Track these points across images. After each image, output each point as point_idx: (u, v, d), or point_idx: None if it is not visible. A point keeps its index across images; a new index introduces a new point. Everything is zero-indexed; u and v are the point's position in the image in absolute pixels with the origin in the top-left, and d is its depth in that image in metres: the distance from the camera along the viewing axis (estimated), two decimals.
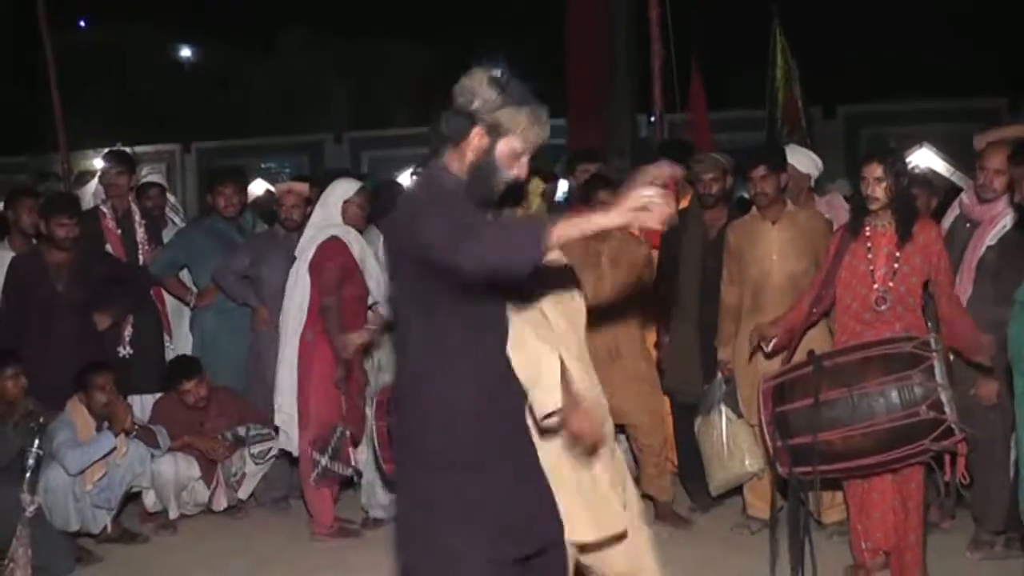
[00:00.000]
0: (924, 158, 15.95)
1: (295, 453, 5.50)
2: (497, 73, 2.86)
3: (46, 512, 5.18)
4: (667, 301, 5.61)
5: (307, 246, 5.44)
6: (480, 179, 2.89)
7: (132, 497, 5.77)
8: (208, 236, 6.18)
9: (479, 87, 2.83)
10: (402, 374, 3.05)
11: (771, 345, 4.60)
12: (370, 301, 5.63)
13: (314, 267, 5.36)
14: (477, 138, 2.85)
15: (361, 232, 5.59)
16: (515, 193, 4.14)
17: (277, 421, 5.54)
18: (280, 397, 5.50)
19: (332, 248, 5.34)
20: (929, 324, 4.47)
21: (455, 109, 2.85)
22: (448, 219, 2.70)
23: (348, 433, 5.38)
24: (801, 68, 8.79)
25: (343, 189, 5.55)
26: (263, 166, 19.64)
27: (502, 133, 2.83)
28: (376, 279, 5.52)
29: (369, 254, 5.57)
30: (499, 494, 2.91)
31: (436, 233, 2.70)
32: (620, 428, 5.28)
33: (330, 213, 5.48)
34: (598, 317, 4.34)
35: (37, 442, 5.09)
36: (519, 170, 2.92)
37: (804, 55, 8.91)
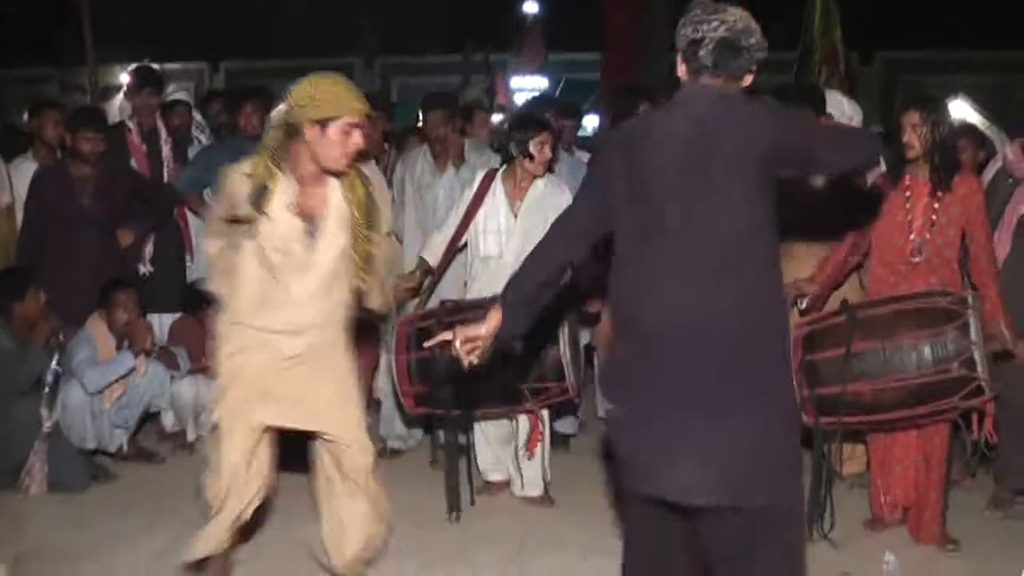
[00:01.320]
0: (959, 109, 15.65)
1: None
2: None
3: (63, 429, 5.21)
4: None
5: None
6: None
7: (151, 417, 5.79)
8: (231, 154, 6.06)
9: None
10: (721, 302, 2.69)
11: (805, 303, 4.51)
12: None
13: None
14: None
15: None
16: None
17: None
18: None
19: None
20: (965, 278, 4.37)
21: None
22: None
23: None
24: (840, 11, 8.61)
25: None
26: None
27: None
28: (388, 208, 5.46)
29: (382, 182, 5.51)
30: None
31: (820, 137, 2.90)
32: None
33: None
34: None
35: (56, 358, 5.10)
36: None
37: None
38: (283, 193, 3.39)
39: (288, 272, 3.44)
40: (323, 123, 3.28)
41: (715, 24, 2.80)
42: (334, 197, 3.46)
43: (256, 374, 3.51)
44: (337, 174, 3.44)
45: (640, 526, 3.02)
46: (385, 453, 5.64)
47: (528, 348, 4.36)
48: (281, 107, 3.34)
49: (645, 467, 2.78)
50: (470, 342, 3.07)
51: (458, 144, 5.70)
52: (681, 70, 2.88)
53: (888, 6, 17.80)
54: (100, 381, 5.28)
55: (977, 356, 3.83)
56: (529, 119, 4.94)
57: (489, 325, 3.07)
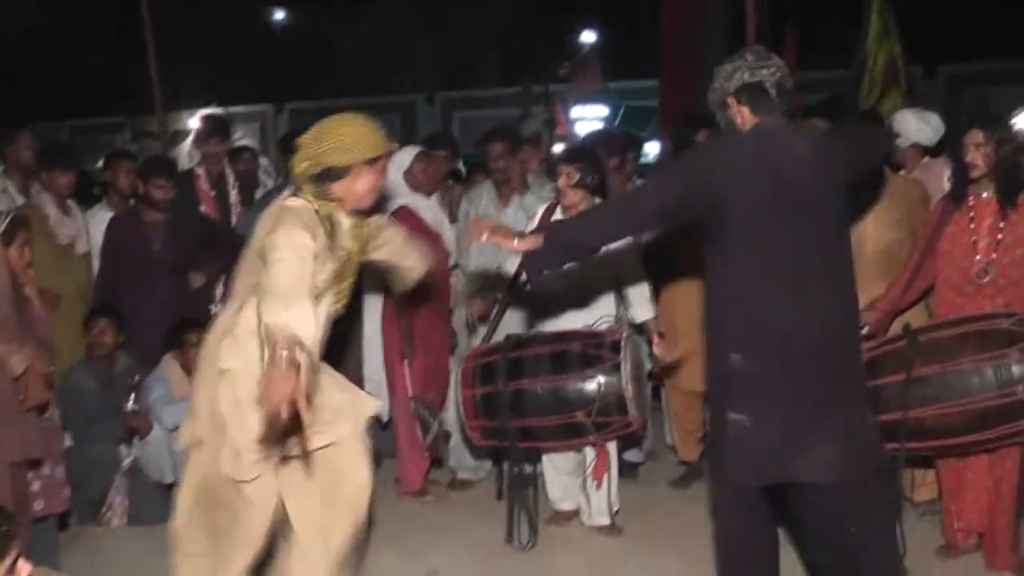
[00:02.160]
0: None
1: (384, 419, 5.55)
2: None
3: (143, 464, 5.36)
4: None
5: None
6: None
7: None
8: None
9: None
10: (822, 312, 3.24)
11: (867, 330, 4.48)
12: (451, 263, 5.65)
13: None
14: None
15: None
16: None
17: (367, 389, 5.60)
18: (367, 365, 5.56)
19: (400, 218, 5.28)
20: None
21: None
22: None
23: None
24: (900, 24, 8.47)
25: (399, 160, 5.47)
26: None
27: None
28: (453, 242, 5.54)
29: (444, 219, 5.59)
30: None
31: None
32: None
33: (395, 185, 5.39)
34: None
35: (133, 398, 5.26)
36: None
37: (903, 10, 8.59)
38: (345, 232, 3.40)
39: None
40: (371, 162, 3.27)
41: (772, 69, 3.27)
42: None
43: None
44: (365, 213, 3.44)
45: (739, 517, 3.45)
46: (456, 484, 5.71)
47: (589, 383, 4.44)
48: (312, 153, 3.24)
49: (776, 459, 3.23)
50: (499, 234, 3.43)
51: (521, 176, 5.76)
52: (739, 109, 3.28)
53: (951, 17, 17.57)
54: (178, 417, 5.40)
55: None
56: (564, 153, 5.02)
57: (525, 242, 3.40)
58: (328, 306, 3.38)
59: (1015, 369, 3.77)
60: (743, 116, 3.29)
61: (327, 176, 3.23)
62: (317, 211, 3.25)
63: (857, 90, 8.44)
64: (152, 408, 5.37)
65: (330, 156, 3.20)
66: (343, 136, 3.22)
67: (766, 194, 3.17)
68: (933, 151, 5.67)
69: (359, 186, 3.26)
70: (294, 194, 3.33)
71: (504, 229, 3.54)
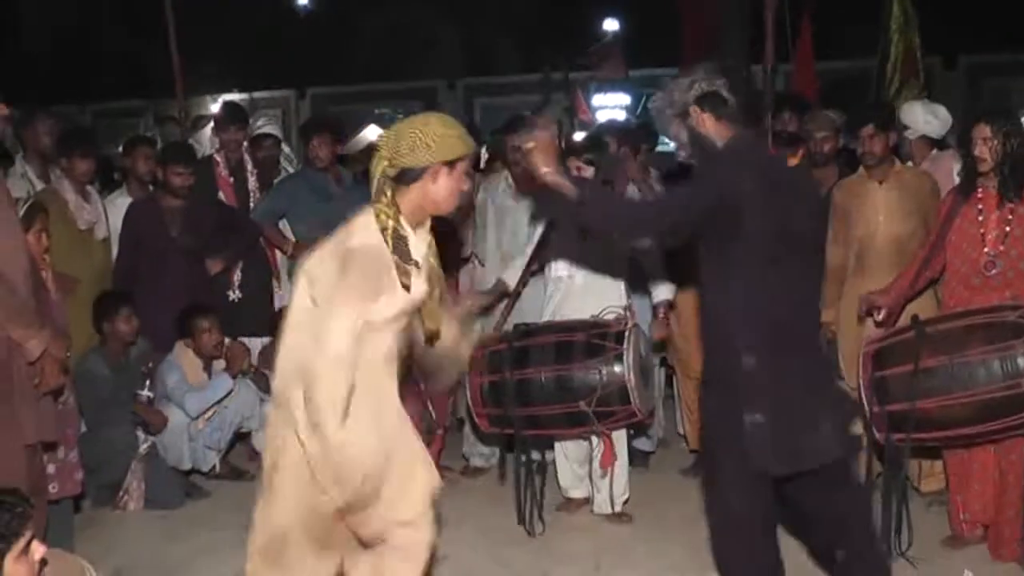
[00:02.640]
0: None
1: None
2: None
3: (161, 450, 5.45)
4: None
5: None
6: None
7: (241, 437, 6.00)
8: (306, 187, 6.22)
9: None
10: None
11: (881, 314, 4.50)
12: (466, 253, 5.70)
13: None
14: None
15: None
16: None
17: None
18: None
19: None
20: None
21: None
22: None
23: None
24: (920, 14, 8.42)
25: None
26: (377, 111, 19.90)
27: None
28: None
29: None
30: None
31: None
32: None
33: None
34: None
35: (148, 384, 5.34)
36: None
37: (924, 1, 8.53)
38: (415, 245, 3.06)
39: None
40: (452, 163, 3.01)
41: (723, 81, 3.62)
42: (425, 245, 3.12)
43: None
44: (443, 218, 3.19)
45: (752, 506, 3.58)
46: (468, 471, 5.77)
47: (592, 372, 4.50)
48: (390, 153, 3.00)
49: (793, 449, 3.44)
50: (541, 151, 3.51)
51: None
52: (701, 116, 3.57)
53: (971, 8, 17.41)
54: (201, 405, 5.49)
55: None
56: (573, 144, 5.06)
57: (561, 183, 3.51)
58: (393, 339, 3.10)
59: (1021, 361, 3.81)
60: (705, 122, 3.58)
61: (403, 178, 2.99)
62: (385, 229, 2.96)
63: (879, 82, 8.40)
64: (171, 396, 5.44)
65: (407, 157, 2.98)
66: (421, 135, 2.97)
67: (781, 209, 3.42)
68: (941, 143, 5.67)
69: (436, 189, 3.00)
70: (374, 201, 3.01)
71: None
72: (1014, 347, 3.82)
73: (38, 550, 2.68)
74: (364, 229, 2.97)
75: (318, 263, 2.99)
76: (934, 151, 5.59)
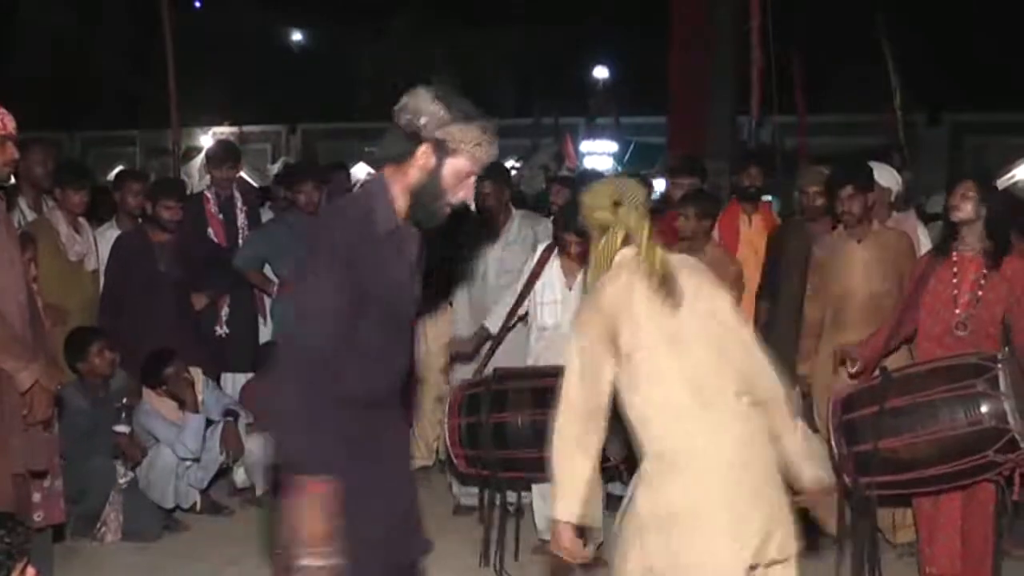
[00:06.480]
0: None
1: None
2: (441, 91, 2.72)
3: (145, 488, 5.45)
4: (769, 314, 5.68)
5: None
6: (423, 202, 2.72)
7: (222, 473, 5.99)
8: (289, 232, 6.05)
9: (424, 104, 2.68)
10: None
11: (856, 367, 4.59)
12: None
13: None
14: (424, 157, 2.68)
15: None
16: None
17: None
18: None
19: None
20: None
21: (399, 127, 2.71)
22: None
23: None
24: (905, 73, 8.61)
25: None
26: (367, 150, 20.00)
27: (450, 152, 2.67)
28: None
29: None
30: None
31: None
32: None
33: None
34: None
35: (124, 417, 5.36)
36: (465, 192, 2.76)
37: (909, 59, 8.73)
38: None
39: None
40: None
41: None
42: None
43: None
44: None
45: None
46: (460, 510, 5.80)
47: None
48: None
49: None
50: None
51: (508, 214, 5.80)
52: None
53: (955, 67, 17.69)
54: (194, 445, 5.49)
55: (1008, 407, 3.82)
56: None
57: None
58: None
59: (981, 400, 3.87)
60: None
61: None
62: None
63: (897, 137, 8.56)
64: (166, 442, 5.45)
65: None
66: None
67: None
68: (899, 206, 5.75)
69: None
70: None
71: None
72: (975, 385, 3.89)
73: (31, 574, 2.75)
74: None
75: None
76: (894, 213, 5.66)
